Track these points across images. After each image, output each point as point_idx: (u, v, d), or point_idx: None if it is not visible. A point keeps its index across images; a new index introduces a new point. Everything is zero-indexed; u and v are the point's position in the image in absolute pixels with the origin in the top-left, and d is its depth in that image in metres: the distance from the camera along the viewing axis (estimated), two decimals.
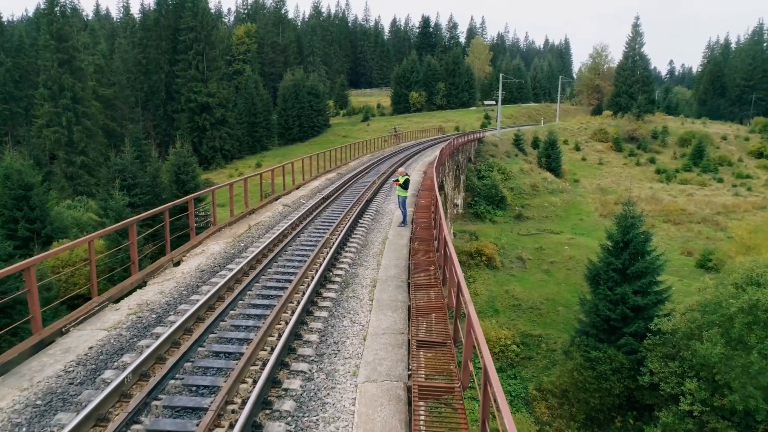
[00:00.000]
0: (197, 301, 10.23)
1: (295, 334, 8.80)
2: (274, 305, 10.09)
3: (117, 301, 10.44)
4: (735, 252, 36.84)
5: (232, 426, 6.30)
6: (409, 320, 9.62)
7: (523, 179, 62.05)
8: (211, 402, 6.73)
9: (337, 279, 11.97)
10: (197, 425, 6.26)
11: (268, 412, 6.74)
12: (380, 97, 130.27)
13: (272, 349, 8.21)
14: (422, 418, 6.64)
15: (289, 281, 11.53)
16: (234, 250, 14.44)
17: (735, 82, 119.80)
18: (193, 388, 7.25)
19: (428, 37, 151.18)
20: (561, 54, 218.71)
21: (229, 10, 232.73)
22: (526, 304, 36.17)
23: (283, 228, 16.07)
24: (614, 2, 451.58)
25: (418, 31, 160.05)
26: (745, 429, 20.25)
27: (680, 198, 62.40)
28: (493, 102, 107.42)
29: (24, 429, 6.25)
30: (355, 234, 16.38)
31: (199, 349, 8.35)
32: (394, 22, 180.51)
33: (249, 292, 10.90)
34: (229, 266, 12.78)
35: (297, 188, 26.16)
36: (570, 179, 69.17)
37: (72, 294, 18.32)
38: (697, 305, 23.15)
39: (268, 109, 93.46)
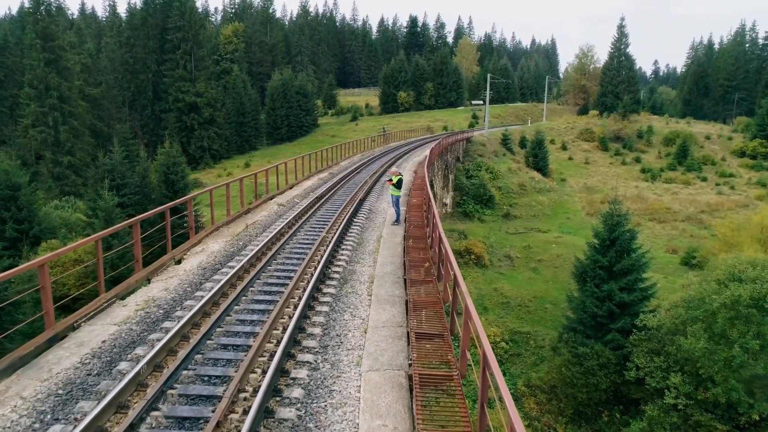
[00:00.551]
0: (202, 297, 10.58)
1: (298, 328, 9.19)
2: (277, 301, 10.47)
3: (123, 297, 10.76)
4: (718, 249, 37.63)
5: (246, 412, 6.69)
6: (406, 314, 10.05)
7: (511, 178, 62.73)
8: (225, 390, 7.12)
9: (336, 276, 12.37)
10: (213, 411, 6.64)
11: (278, 399, 7.14)
12: (368, 97, 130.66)
13: (278, 342, 8.61)
14: (424, 403, 7.06)
15: (290, 278, 11.91)
16: (233, 249, 14.79)
17: (718, 83, 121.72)
18: (206, 378, 7.62)
19: (416, 36, 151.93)
20: (548, 54, 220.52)
21: (216, 9, 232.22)
22: (514, 301, 36.69)
23: (279, 227, 16.43)
24: (600, 3, 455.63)
25: (405, 30, 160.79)
26: (728, 421, 20.78)
27: (665, 197, 63.44)
28: (481, 102, 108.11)
29: (49, 416, 6.60)
30: (351, 232, 16.77)
31: (208, 342, 8.72)
32: (381, 21, 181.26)
33: (251, 289, 11.27)
34: (230, 264, 13.13)
35: (290, 188, 26.51)
36: (557, 178, 69.99)
37: (75, 294, 18.49)
38: (681, 301, 23.60)
39: (257, 109, 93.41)
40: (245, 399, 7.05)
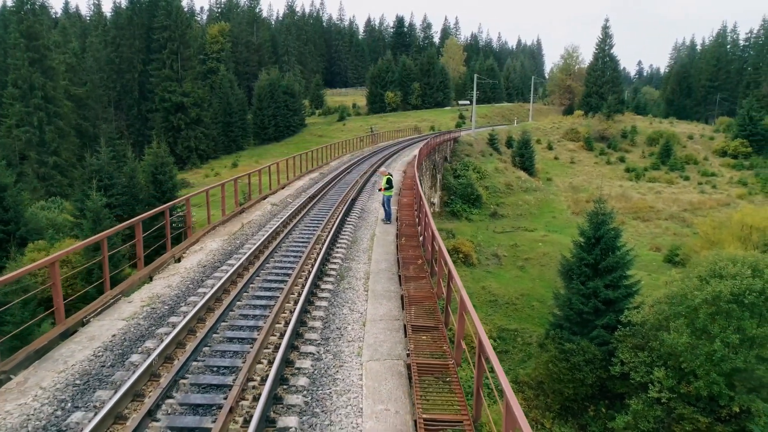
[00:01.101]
0: (205, 293, 10.95)
1: (300, 321, 9.60)
2: (278, 296, 10.87)
3: (128, 294, 11.10)
4: (700, 247, 38.47)
5: (255, 399, 7.10)
6: (402, 308, 10.50)
7: (498, 178, 63.46)
8: (234, 379, 7.53)
9: (332, 272, 12.79)
10: (225, 398, 7.04)
11: (285, 387, 7.56)
12: (356, 97, 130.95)
13: (282, 335, 9.02)
14: (422, 389, 7.51)
15: (288, 275, 12.30)
16: (231, 247, 15.15)
17: (701, 83, 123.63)
18: (215, 369, 8.02)
19: (403, 37, 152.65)
20: (533, 54, 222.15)
21: (201, 8, 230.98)
22: (502, 299, 37.27)
23: (275, 226, 16.80)
24: (584, 4, 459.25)
25: (392, 31, 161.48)
26: (710, 414, 21.38)
27: (649, 196, 64.56)
28: (468, 102, 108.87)
29: (69, 404, 6.97)
30: (344, 231, 17.19)
31: (214, 335, 9.10)
32: (368, 21, 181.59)
33: (252, 285, 11.66)
34: (229, 262, 13.50)
35: (282, 188, 26.85)
36: (543, 178, 70.87)
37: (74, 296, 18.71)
38: (664, 298, 24.12)
39: (244, 109, 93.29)
40: (254, 387, 7.45)
